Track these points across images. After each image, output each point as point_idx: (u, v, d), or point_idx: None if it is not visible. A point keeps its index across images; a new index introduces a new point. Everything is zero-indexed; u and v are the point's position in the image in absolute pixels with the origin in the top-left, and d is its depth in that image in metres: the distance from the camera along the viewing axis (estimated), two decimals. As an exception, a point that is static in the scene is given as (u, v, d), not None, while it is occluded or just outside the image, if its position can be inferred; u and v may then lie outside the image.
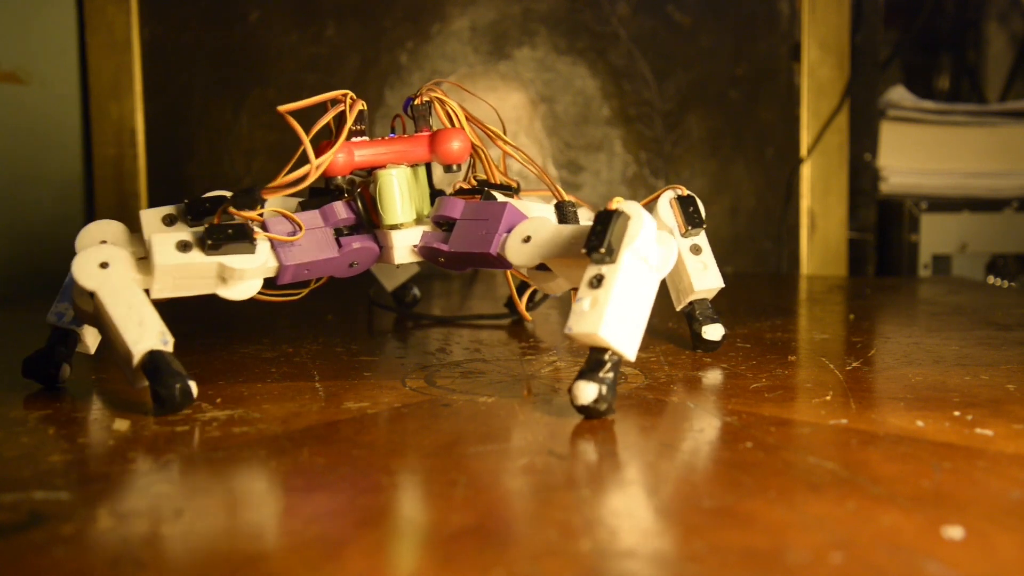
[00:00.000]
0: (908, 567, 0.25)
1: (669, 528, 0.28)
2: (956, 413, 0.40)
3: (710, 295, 0.53)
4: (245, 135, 1.02)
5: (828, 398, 0.43)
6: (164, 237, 0.42)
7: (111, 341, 0.41)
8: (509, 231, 0.45)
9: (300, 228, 0.45)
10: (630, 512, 0.30)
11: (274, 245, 0.45)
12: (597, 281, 0.39)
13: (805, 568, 0.25)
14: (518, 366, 0.52)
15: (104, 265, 0.41)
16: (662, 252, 0.40)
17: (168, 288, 0.43)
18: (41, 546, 0.27)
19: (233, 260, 0.43)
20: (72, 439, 0.39)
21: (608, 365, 0.39)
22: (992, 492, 0.30)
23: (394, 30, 1.03)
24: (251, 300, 0.47)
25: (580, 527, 0.28)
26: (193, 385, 0.40)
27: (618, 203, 0.39)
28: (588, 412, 0.39)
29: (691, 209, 0.51)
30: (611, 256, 0.39)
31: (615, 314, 0.38)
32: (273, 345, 0.59)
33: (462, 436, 0.38)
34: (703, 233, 0.52)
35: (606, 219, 0.39)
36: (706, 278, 0.52)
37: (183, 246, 0.42)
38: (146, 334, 0.40)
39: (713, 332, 0.53)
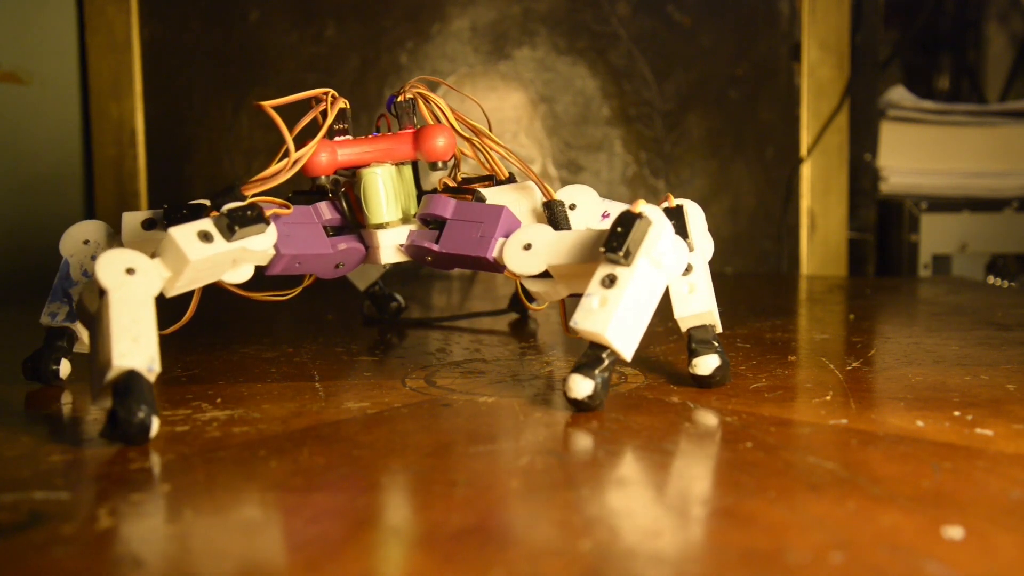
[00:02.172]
0: (908, 567, 0.25)
1: (669, 528, 0.28)
2: (956, 413, 0.40)
3: (700, 321, 0.45)
4: (245, 135, 1.02)
5: (828, 398, 0.43)
6: (183, 231, 0.40)
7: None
8: (506, 236, 0.45)
9: (288, 207, 0.44)
10: (630, 512, 0.30)
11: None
12: (610, 281, 0.39)
13: (805, 568, 0.25)
14: (518, 366, 0.52)
15: (130, 271, 0.38)
16: (675, 257, 0.41)
17: (185, 284, 0.41)
18: (41, 546, 0.27)
19: (252, 242, 0.42)
20: (72, 439, 0.39)
21: (606, 363, 0.40)
22: (992, 492, 0.30)
23: (394, 30, 1.03)
24: (251, 300, 0.47)
25: (580, 527, 0.28)
26: (155, 423, 0.37)
27: (641, 206, 0.40)
28: (580, 406, 0.40)
29: (672, 222, 0.44)
30: (628, 259, 0.39)
31: (623, 316, 0.39)
32: (273, 345, 0.59)
33: (462, 436, 0.38)
34: (700, 248, 0.46)
35: (628, 222, 0.40)
36: (690, 303, 0.45)
37: (204, 236, 0.41)
38: (136, 352, 0.37)
39: (703, 366, 0.45)
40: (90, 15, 0.99)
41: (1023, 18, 1.26)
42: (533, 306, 0.60)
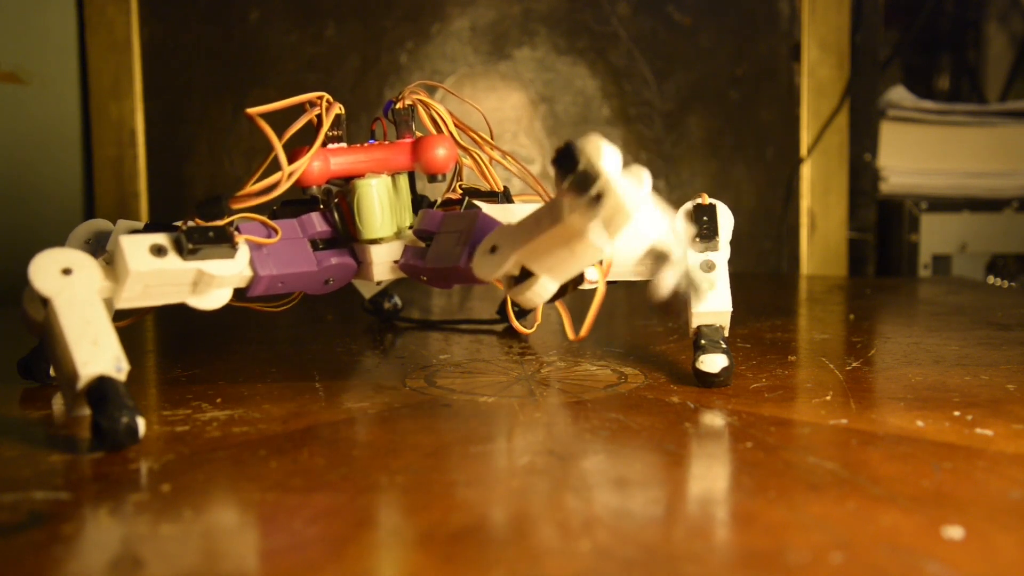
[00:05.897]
0: (908, 567, 0.25)
1: (669, 528, 0.28)
2: (956, 413, 0.40)
3: (714, 320, 0.47)
4: (245, 135, 1.02)
5: (828, 398, 0.43)
6: (135, 240, 0.38)
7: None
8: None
9: (276, 232, 0.42)
10: (630, 512, 0.30)
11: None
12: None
13: (805, 568, 0.25)
14: (518, 366, 0.52)
15: (67, 271, 0.36)
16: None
17: (136, 298, 0.39)
18: (41, 546, 0.27)
19: (213, 266, 0.39)
20: (72, 439, 0.39)
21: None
22: (992, 492, 0.30)
23: (394, 30, 1.03)
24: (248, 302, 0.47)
25: (580, 527, 0.28)
26: (141, 423, 0.36)
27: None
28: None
29: (704, 218, 0.47)
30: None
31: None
32: (273, 345, 0.59)
33: (462, 436, 0.38)
34: (724, 250, 0.47)
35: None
36: (709, 300, 0.46)
37: (157, 250, 0.38)
38: (99, 356, 0.35)
39: (711, 363, 0.45)
40: (90, 15, 0.99)
41: (1023, 18, 1.26)
42: (524, 329, 0.58)
